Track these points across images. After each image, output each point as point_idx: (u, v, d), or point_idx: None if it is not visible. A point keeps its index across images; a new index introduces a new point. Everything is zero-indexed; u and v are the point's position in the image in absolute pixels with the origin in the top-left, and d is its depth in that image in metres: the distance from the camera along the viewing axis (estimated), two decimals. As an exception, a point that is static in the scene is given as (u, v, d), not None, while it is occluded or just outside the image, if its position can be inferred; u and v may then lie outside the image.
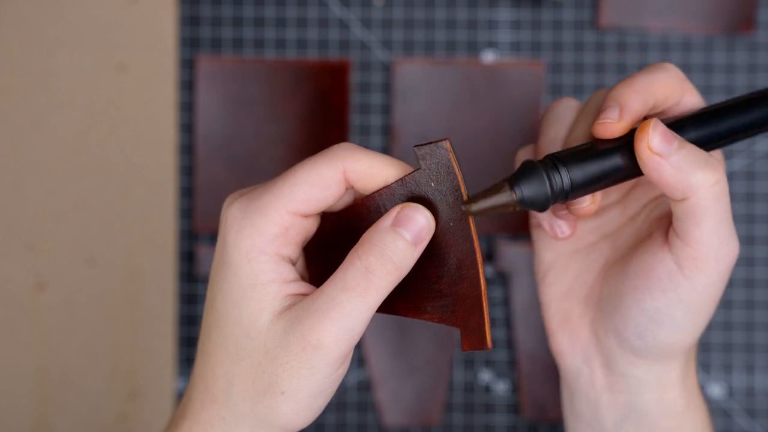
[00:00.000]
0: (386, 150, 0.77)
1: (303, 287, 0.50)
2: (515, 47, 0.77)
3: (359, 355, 0.77)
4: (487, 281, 0.78)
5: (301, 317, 0.48)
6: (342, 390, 0.77)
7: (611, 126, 0.51)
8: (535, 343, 0.77)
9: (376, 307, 0.49)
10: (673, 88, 0.53)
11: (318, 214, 0.51)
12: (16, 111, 0.75)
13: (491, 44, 0.77)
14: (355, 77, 0.77)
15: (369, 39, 0.78)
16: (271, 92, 0.77)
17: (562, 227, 0.55)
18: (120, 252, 0.75)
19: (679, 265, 0.52)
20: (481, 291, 0.50)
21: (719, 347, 0.77)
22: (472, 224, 0.50)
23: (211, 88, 0.77)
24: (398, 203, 0.50)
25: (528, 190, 0.49)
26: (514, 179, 0.49)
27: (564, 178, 0.49)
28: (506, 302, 0.77)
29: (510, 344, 0.77)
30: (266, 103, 0.77)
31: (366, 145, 0.77)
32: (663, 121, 0.52)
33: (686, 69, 0.77)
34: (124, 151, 0.75)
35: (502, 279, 0.77)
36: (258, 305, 0.49)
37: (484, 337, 0.50)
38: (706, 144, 0.53)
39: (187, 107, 0.77)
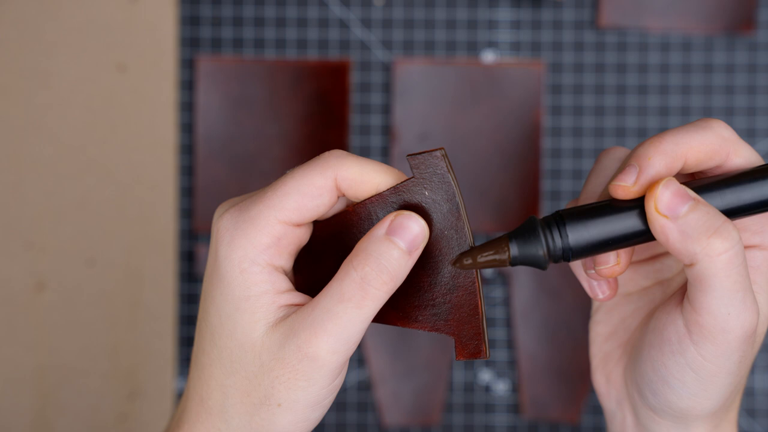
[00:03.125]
0: (386, 150, 0.77)
1: (297, 297, 0.50)
2: (515, 47, 0.77)
3: (359, 355, 0.77)
4: (487, 281, 0.78)
5: (296, 329, 0.48)
6: (342, 390, 0.77)
7: (625, 189, 0.48)
8: (535, 343, 0.77)
9: (372, 317, 0.48)
10: (712, 149, 0.48)
11: (310, 223, 0.50)
12: (16, 111, 0.75)
13: (491, 44, 0.77)
14: (355, 77, 0.77)
15: (369, 39, 0.78)
16: (271, 92, 0.77)
17: (602, 287, 0.52)
18: (120, 252, 0.75)
19: (688, 330, 0.49)
20: (477, 300, 0.49)
21: (719, 347, 0.77)
22: (469, 232, 0.49)
23: (211, 88, 0.77)
24: (391, 212, 0.50)
25: (521, 248, 0.47)
26: (513, 235, 0.48)
27: (563, 238, 0.47)
28: (506, 302, 0.77)
29: (510, 344, 0.77)
30: (266, 103, 0.77)
31: (366, 145, 0.77)
32: (691, 182, 0.49)
33: (686, 69, 0.77)
34: (124, 151, 0.75)
35: (502, 279, 0.77)
36: (252, 317, 0.49)
37: (481, 347, 0.49)
38: (733, 213, 0.48)
39: (187, 107, 0.77)
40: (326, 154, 0.49)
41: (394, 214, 0.49)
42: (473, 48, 0.77)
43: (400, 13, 0.77)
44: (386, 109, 0.77)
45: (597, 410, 0.77)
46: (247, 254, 0.48)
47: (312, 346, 0.47)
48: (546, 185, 0.77)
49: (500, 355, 0.77)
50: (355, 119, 0.77)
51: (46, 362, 0.74)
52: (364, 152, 0.77)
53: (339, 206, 0.51)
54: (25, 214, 0.75)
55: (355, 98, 0.77)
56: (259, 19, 0.77)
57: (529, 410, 0.77)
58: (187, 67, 0.77)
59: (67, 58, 0.75)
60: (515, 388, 0.77)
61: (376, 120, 0.77)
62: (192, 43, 0.77)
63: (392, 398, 0.77)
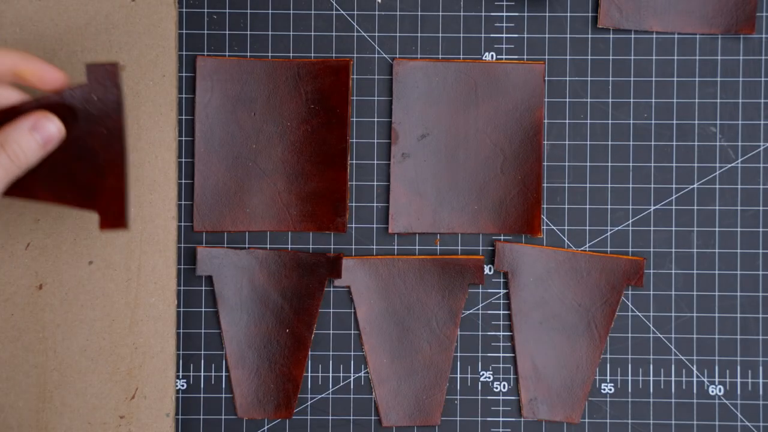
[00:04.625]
0: (386, 149, 0.77)
1: None
2: (515, 47, 0.77)
3: (359, 356, 0.77)
4: (486, 277, 0.78)
5: None
6: (342, 390, 0.77)
7: None
8: (535, 343, 0.77)
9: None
10: None
11: None
12: (15, 111, 0.75)
13: (491, 44, 0.77)
14: (355, 77, 0.77)
15: (369, 38, 0.77)
16: (271, 92, 0.77)
17: None
18: (120, 252, 0.75)
19: None
20: (124, 184, 0.65)
21: (719, 347, 0.77)
22: (125, 133, 0.64)
23: (211, 88, 0.77)
24: (57, 108, 0.64)
25: None
26: None
27: None
28: (507, 302, 0.77)
29: (510, 344, 0.78)
30: (266, 102, 0.77)
31: (366, 145, 0.77)
32: None
33: (686, 69, 0.77)
34: (124, 151, 0.75)
35: (502, 278, 0.78)
36: None
37: (123, 219, 0.65)
38: None
39: (187, 107, 0.77)
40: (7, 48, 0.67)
41: (42, 113, 0.64)
42: (473, 48, 0.77)
43: (400, 13, 0.77)
44: (387, 109, 0.77)
45: (597, 410, 0.77)
46: None
47: None
48: (546, 185, 0.77)
49: (500, 355, 0.78)
50: (355, 119, 0.77)
51: (46, 362, 0.74)
52: (365, 151, 0.77)
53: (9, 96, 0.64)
54: (25, 214, 0.74)
55: (355, 98, 0.77)
56: (259, 19, 0.77)
57: (529, 410, 0.77)
58: (187, 66, 0.77)
59: (67, 58, 0.74)
60: (515, 389, 0.78)
61: (376, 119, 0.77)
62: (192, 43, 0.77)
63: (392, 398, 0.77)
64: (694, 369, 0.77)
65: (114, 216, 0.65)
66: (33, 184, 0.65)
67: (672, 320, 0.77)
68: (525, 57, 0.77)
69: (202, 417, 0.77)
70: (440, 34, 0.77)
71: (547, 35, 0.77)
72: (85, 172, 0.65)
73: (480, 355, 0.77)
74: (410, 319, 0.77)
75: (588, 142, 0.77)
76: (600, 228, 0.77)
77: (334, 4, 0.77)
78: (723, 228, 0.77)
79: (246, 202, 0.77)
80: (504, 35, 0.77)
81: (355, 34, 0.77)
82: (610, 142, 0.77)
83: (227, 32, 0.77)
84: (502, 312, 0.77)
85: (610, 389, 0.77)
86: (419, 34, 0.77)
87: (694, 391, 0.77)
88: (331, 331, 0.77)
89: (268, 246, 0.77)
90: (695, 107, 0.77)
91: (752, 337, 0.77)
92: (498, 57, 0.77)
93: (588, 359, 0.77)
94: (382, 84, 0.77)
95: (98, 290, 0.75)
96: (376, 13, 0.77)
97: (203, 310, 0.77)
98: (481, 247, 0.77)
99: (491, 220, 0.77)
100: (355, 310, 0.77)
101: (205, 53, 0.77)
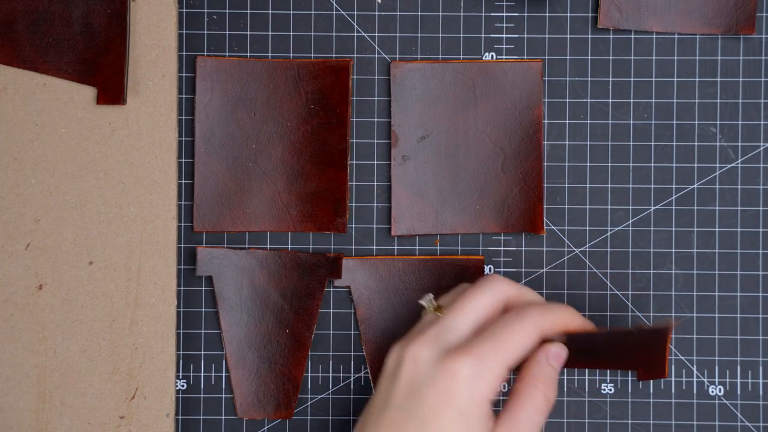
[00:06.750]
0: (387, 150, 0.77)
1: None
2: (515, 47, 0.77)
3: (359, 356, 0.77)
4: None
5: None
6: (342, 390, 0.77)
7: None
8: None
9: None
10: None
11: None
12: (16, 111, 0.75)
13: (491, 44, 0.77)
14: (355, 77, 0.77)
15: (369, 39, 0.77)
16: (271, 92, 0.77)
17: None
18: (120, 252, 0.75)
19: None
20: (124, 61, 0.71)
21: (719, 347, 0.77)
22: (128, 14, 0.69)
23: (211, 88, 0.77)
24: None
25: None
26: None
27: None
28: (506, 302, 0.77)
29: (510, 344, 0.77)
30: (266, 103, 0.77)
31: (367, 145, 0.77)
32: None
33: (686, 69, 0.77)
34: (124, 151, 0.75)
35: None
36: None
37: (121, 96, 0.71)
38: None
39: (188, 107, 0.77)
40: (527, 307, 0.68)
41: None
42: (473, 48, 0.77)
43: (400, 13, 0.77)
44: (386, 109, 0.77)
45: (597, 410, 0.77)
46: (485, 396, 0.63)
47: None
48: (546, 185, 0.77)
49: (500, 355, 0.77)
50: (355, 119, 0.77)
51: (46, 362, 0.74)
52: (365, 152, 0.77)
53: None
54: (25, 214, 0.75)
55: (355, 98, 0.77)
56: (259, 19, 0.77)
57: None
58: (187, 67, 0.77)
59: (67, 58, 0.75)
60: (515, 388, 0.77)
61: (376, 120, 0.77)
62: (192, 43, 0.77)
63: (392, 398, 0.77)
64: (694, 369, 0.77)
65: (112, 92, 0.71)
66: (35, 57, 0.70)
67: (672, 320, 0.77)
68: (524, 57, 0.77)
69: (202, 417, 0.77)
70: (440, 35, 0.77)
71: (547, 35, 0.77)
72: (87, 49, 0.71)
73: (480, 355, 0.77)
74: (410, 319, 0.77)
75: (588, 142, 0.77)
76: (600, 228, 0.77)
77: (334, 4, 0.77)
78: (723, 228, 0.77)
79: (246, 202, 0.77)
80: (504, 35, 0.77)
81: (355, 34, 0.77)
82: (610, 143, 0.77)
83: (227, 33, 0.77)
84: (502, 312, 0.77)
85: (610, 389, 0.77)
86: (419, 35, 0.77)
87: (694, 391, 0.77)
88: (331, 331, 0.77)
89: (268, 246, 0.77)
90: (695, 107, 0.77)
91: (752, 337, 0.77)
92: (498, 57, 0.77)
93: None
94: (382, 84, 0.77)
95: (98, 290, 0.75)
96: (376, 13, 0.77)
97: (203, 310, 0.77)
98: (481, 248, 0.77)
99: (494, 219, 0.77)
100: (355, 310, 0.77)
101: (205, 53, 0.77)
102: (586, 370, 0.77)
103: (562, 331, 0.66)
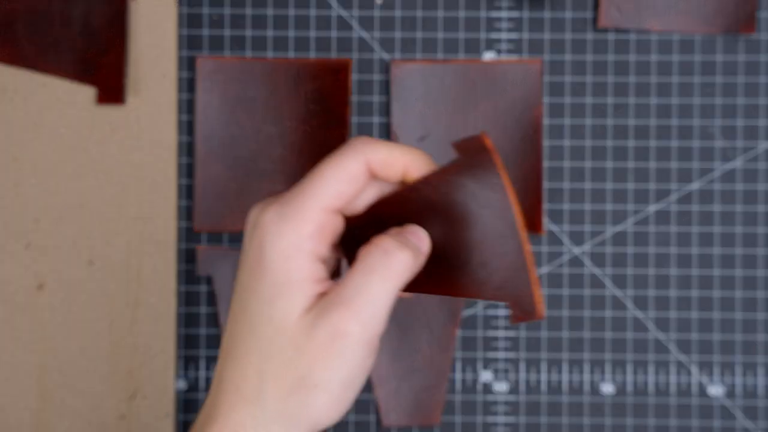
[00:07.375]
0: (386, 150, 0.77)
1: (332, 287, 0.51)
2: (515, 47, 0.77)
3: (359, 355, 0.77)
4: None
5: (328, 308, 0.50)
6: (342, 390, 0.77)
7: None
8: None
9: (398, 289, 0.50)
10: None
11: (342, 213, 0.53)
12: (16, 111, 0.75)
13: (491, 44, 0.77)
14: (355, 77, 0.77)
15: (369, 39, 0.78)
16: (271, 92, 0.77)
17: None
18: (120, 252, 0.75)
19: None
20: (123, 61, 0.63)
21: (719, 347, 0.77)
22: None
23: (211, 88, 0.77)
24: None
25: None
26: None
27: None
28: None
29: (510, 344, 0.77)
30: (266, 103, 0.77)
31: (366, 145, 0.77)
32: None
33: (686, 69, 0.77)
34: (124, 151, 0.75)
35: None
36: (290, 302, 0.50)
37: (121, 95, 0.63)
38: None
39: (187, 107, 0.77)
40: (354, 140, 0.52)
41: (413, 228, 0.53)
42: (473, 48, 0.77)
43: (400, 13, 0.77)
44: (386, 109, 0.77)
45: (597, 410, 0.77)
46: (292, 242, 0.51)
47: (342, 323, 0.49)
48: (546, 185, 0.77)
49: (500, 355, 0.78)
50: (355, 119, 0.77)
51: (46, 362, 0.74)
52: (364, 152, 0.77)
53: (371, 191, 0.53)
54: (25, 214, 0.75)
55: (355, 98, 0.77)
56: (259, 19, 0.77)
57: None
58: (187, 67, 0.77)
59: (67, 58, 0.75)
60: (515, 388, 0.78)
61: (376, 120, 0.77)
62: (192, 43, 0.77)
63: (392, 398, 0.77)
64: (694, 369, 0.77)
65: (112, 92, 0.71)
66: (35, 57, 0.70)
67: (672, 320, 0.77)
68: (524, 57, 0.77)
69: (202, 417, 0.77)
70: (440, 35, 0.77)
71: (546, 35, 0.77)
72: (87, 49, 0.71)
73: (480, 355, 0.77)
74: (410, 320, 0.77)
75: (588, 143, 0.77)
76: (600, 228, 0.77)
77: (334, 4, 0.77)
78: (723, 228, 0.77)
79: (246, 202, 0.77)
80: (504, 35, 0.78)
81: (355, 34, 0.77)
82: (610, 143, 0.77)
83: (227, 33, 0.77)
84: (501, 312, 0.77)
85: (610, 389, 0.77)
86: (419, 35, 0.77)
87: (695, 391, 0.77)
88: (331, 331, 0.77)
89: (268, 246, 0.77)
90: (695, 107, 0.77)
91: (752, 337, 0.77)
92: (497, 57, 0.77)
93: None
94: (382, 84, 0.77)
95: (98, 290, 0.75)
96: (376, 13, 0.77)
97: (203, 310, 0.77)
98: (481, 248, 0.77)
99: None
100: (354, 310, 0.77)
101: (206, 54, 0.77)
102: (586, 370, 0.77)
103: (401, 173, 0.53)
